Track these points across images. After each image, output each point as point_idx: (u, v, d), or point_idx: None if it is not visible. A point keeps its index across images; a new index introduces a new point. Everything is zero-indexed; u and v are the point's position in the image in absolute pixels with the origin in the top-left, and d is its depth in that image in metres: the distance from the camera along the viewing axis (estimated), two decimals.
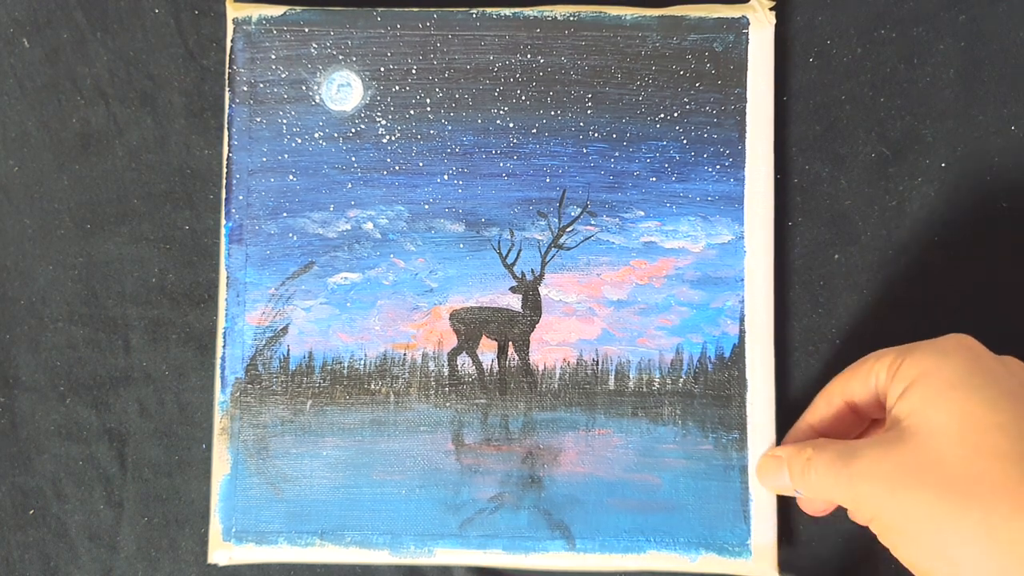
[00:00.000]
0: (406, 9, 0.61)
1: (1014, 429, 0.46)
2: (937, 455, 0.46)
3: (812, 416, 0.57)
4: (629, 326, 0.60)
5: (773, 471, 0.56)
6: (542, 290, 0.61)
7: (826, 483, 0.51)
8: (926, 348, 0.50)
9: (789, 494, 0.56)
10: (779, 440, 0.60)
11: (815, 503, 0.58)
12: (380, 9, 0.61)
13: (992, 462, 0.45)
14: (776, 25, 0.61)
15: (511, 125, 0.61)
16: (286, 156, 0.61)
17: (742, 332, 0.60)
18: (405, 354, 0.61)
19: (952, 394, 0.47)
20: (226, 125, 0.61)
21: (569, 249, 0.61)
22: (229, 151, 0.61)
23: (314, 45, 0.61)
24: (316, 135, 0.61)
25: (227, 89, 0.61)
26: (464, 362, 0.61)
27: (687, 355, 0.60)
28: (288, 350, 0.61)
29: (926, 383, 0.49)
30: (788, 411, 0.61)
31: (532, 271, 0.61)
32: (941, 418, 0.47)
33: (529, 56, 0.61)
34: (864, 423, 0.57)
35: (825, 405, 0.56)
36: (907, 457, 0.47)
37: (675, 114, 0.61)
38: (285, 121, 0.61)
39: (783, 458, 0.55)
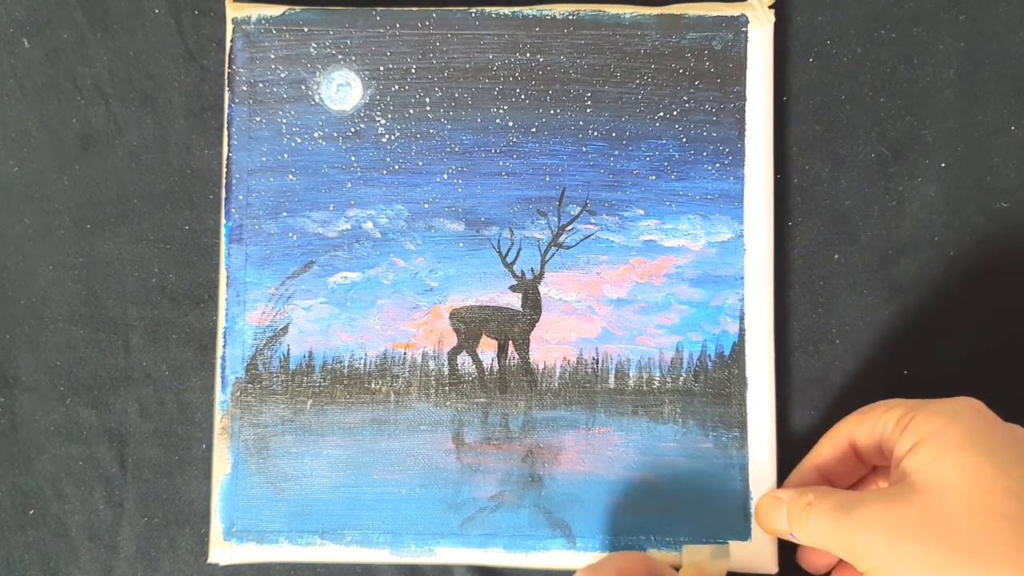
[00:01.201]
0: (405, 8, 0.61)
1: (1023, 493, 0.46)
2: (944, 512, 0.46)
3: (817, 456, 0.57)
4: (629, 324, 0.60)
5: (772, 513, 0.55)
6: (542, 289, 0.61)
7: (824, 530, 0.51)
8: (938, 407, 0.50)
9: (785, 537, 0.56)
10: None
11: (814, 560, 0.58)
12: (379, 9, 0.61)
13: (1000, 524, 0.45)
14: (776, 24, 0.61)
15: (510, 124, 0.61)
16: (286, 156, 0.61)
17: (742, 330, 0.60)
18: (405, 353, 0.61)
19: (963, 455, 0.47)
20: (226, 125, 0.61)
21: (569, 248, 0.61)
22: (229, 151, 0.61)
23: (313, 45, 0.61)
24: (316, 135, 0.61)
25: (227, 89, 0.61)
26: (464, 361, 0.61)
27: (687, 353, 0.60)
28: (288, 349, 0.61)
29: (936, 441, 0.49)
30: (788, 410, 0.61)
31: (532, 270, 0.61)
32: (951, 477, 0.47)
33: (528, 55, 0.61)
34: (866, 468, 0.57)
35: (830, 446, 0.56)
36: (913, 511, 0.47)
37: (674, 112, 0.61)
38: (285, 121, 0.61)
39: (783, 500, 0.55)
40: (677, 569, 0.57)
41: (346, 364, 0.61)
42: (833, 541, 0.50)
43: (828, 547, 0.51)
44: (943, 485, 0.47)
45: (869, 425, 0.53)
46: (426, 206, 0.61)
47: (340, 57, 0.61)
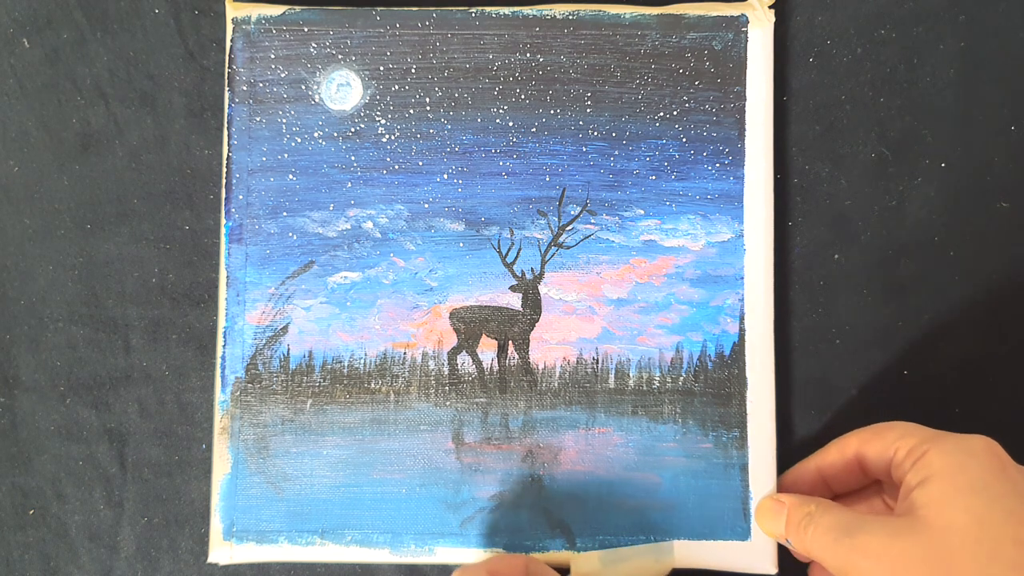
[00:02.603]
0: (405, 8, 0.61)
1: None
2: (950, 554, 0.46)
3: (821, 459, 0.57)
4: (629, 324, 0.60)
5: (772, 515, 0.56)
6: (542, 289, 0.61)
7: (822, 545, 0.51)
8: (953, 444, 0.50)
9: (780, 541, 0.56)
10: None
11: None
12: (379, 8, 0.61)
13: (1005, 572, 0.45)
14: (776, 25, 0.61)
15: (510, 124, 0.61)
16: (286, 155, 0.61)
17: (742, 330, 0.60)
18: (405, 353, 0.61)
19: (974, 498, 0.47)
20: (226, 124, 0.61)
21: (569, 248, 0.61)
22: (229, 150, 0.61)
23: (313, 44, 0.61)
24: (316, 134, 0.61)
25: (227, 89, 0.61)
26: (464, 361, 0.61)
27: (687, 353, 0.60)
28: (288, 349, 0.61)
29: (948, 480, 0.48)
30: (788, 410, 0.61)
31: (532, 270, 0.61)
32: (960, 519, 0.47)
33: (528, 55, 0.61)
34: (868, 480, 0.57)
35: (837, 454, 0.56)
36: (918, 549, 0.47)
37: (674, 112, 0.61)
38: (285, 120, 0.61)
39: (785, 505, 0.55)
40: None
41: (346, 364, 0.61)
42: (829, 558, 0.50)
43: (822, 562, 0.51)
44: (951, 527, 0.47)
45: (881, 446, 0.53)
46: (426, 206, 0.61)
47: (340, 57, 0.61)
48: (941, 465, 0.49)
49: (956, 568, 0.46)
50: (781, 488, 0.59)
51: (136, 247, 0.63)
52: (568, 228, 0.61)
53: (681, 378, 0.60)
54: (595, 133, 0.61)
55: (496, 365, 0.61)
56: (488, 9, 0.61)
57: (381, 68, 0.61)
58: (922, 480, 0.49)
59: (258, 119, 0.61)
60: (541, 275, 0.61)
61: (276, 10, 0.61)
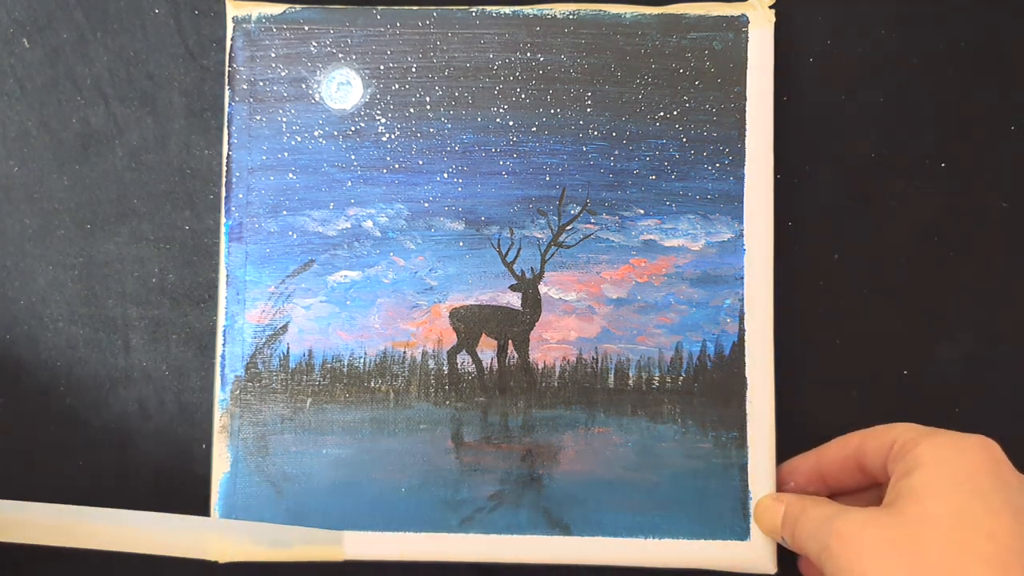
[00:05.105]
0: (406, 7, 0.61)
1: (1005, 540, 0.46)
2: (921, 542, 0.46)
3: (821, 454, 0.57)
4: (629, 324, 0.60)
5: (771, 514, 0.56)
6: (542, 288, 0.61)
7: (806, 534, 0.51)
8: (946, 439, 0.50)
9: (778, 540, 0.56)
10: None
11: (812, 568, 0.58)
12: (380, 7, 0.61)
13: (973, 565, 0.45)
14: (776, 24, 0.61)
15: (511, 123, 0.61)
16: (286, 154, 0.61)
17: (742, 331, 0.60)
18: (405, 352, 0.61)
19: (955, 491, 0.47)
20: (226, 123, 0.61)
21: (569, 247, 0.61)
22: (229, 149, 0.61)
23: (314, 43, 0.61)
24: (316, 133, 0.61)
25: (227, 87, 0.61)
26: (464, 360, 0.61)
27: (687, 353, 0.60)
28: (288, 348, 0.61)
29: (933, 472, 0.48)
30: (788, 410, 0.61)
31: (532, 269, 0.61)
32: (937, 509, 0.47)
33: (529, 54, 0.61)
34: (866, 482, 0.56)
35: (837, 449, 0.56)
36: (890, 534, 0.47)
37: (675, 112, 0.61)
38: (285, 119, 0.61)
39: (783, 503, 0.55)
40: None
41: (346, 363, 0.61)
42: (811, 546, 0.51)
43: (807, 552, 0.51)
44: (927, 516, 0.47)
45: (879, 444, 0.53)
46: (426, 205, 0.61)
47: (340, 56, 0.61)
48: (930, 457, 0.49)
49: (926, 557, 0.46)
50: (779, 477, 0.59)
51: (136, 247, 0.63)
52: (568, 228, 0.61)
53: (681, 378, 0.60)
54: (595, 133, 0.61)
55: (496, 365, 0.61)
56: (488, 8, 0.61)
57: (381, 67, 0.61)
58: (909, 471, 0.49)
59: (258, 118, 0.61)
60: (541, 275, 0.61)
61: (276, 9, 0.61)
